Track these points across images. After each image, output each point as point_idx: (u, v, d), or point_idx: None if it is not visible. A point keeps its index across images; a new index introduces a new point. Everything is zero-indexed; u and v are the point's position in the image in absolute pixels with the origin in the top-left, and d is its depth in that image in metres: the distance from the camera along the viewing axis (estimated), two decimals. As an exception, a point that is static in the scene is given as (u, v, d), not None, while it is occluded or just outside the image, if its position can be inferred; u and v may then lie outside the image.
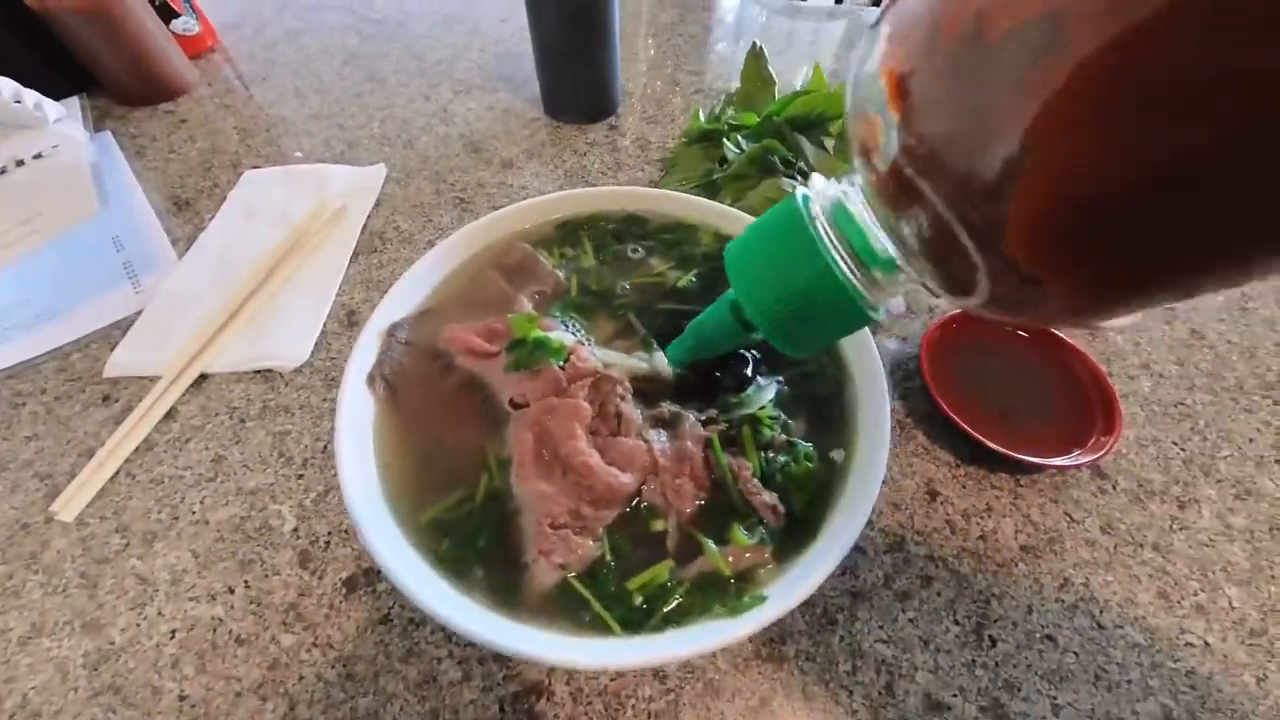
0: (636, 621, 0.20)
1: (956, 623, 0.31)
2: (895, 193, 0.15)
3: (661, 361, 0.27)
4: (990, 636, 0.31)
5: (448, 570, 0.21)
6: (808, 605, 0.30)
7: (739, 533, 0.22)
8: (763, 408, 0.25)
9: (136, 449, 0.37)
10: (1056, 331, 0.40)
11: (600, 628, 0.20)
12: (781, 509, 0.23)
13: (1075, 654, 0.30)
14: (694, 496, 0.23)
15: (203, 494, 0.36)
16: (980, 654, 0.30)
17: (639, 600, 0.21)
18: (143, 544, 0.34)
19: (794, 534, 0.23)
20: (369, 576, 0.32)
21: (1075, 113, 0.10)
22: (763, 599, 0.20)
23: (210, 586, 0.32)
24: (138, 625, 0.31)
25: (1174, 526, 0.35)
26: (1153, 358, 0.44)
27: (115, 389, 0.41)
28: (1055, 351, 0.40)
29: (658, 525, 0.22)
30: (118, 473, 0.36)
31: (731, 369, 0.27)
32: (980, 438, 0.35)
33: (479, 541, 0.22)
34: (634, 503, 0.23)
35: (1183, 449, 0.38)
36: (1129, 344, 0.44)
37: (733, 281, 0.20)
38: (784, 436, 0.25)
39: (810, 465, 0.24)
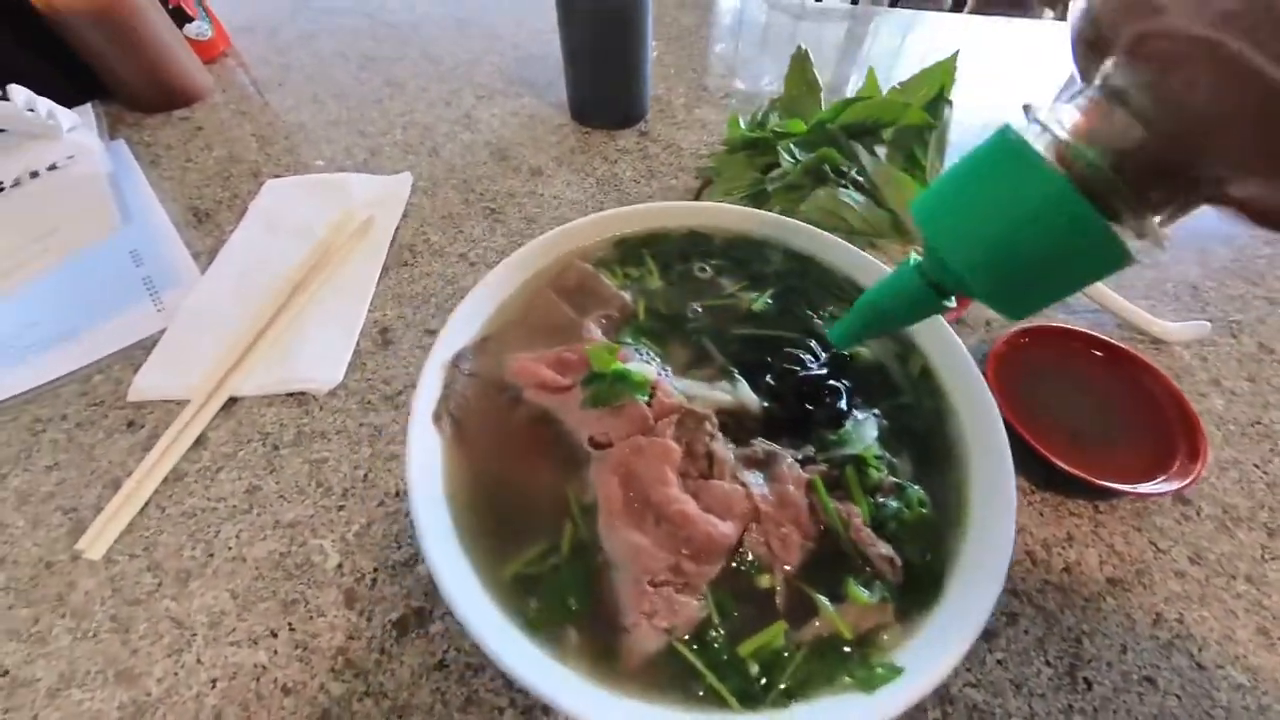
0: (755, 696, 0.18)
1: (1048, 664, 0.29)
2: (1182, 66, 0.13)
3: (746, 393, 0.25)
4: (1085, 679, 0.29)
5: (540, 635, 0.19)
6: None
7: (856, 589, 0.20)
8: (868, 446, 0.23)
9: (165, 479, 0.35)
10: (1128, 348, 0.38)
11: (715, 701, 0.18)
12: (899, 561, 0.21)
13: (1177, 696, 0.28)
14: (801, 548, 0.21)
15: (238, 527, 0.34)
16: (1076, 698, 0.28)
17: (754, 669, 0.19)
18: (176, 583, 0.32)
19: (914, 591, 0.21)
20: (420, 617, 0.30)
21: None
22: (898, 671, 0.18)
23: (251, 630, 0.30)
24: (175, 674, 0.29)
25: (1266, 556, 0.33)
26: (1222, 373, 0.42)
27: (140, 414, 0.39)
28: (1128, 369, 0.38)
29: (764, 581, 0.20)
30: (146, 505, 0.34)
31: (824, 402, 0.25)
32: (1060, 463, 0.33)
33: (569, 600, 0.20)
34: (735, 556, 0.21)
35: (1265, 471, 0.37)
36: (1196, 359, 0.43)
37: (930, 234, 0.17)
38: (891, 478, 0.23)
39: (924, 511, 0.22)
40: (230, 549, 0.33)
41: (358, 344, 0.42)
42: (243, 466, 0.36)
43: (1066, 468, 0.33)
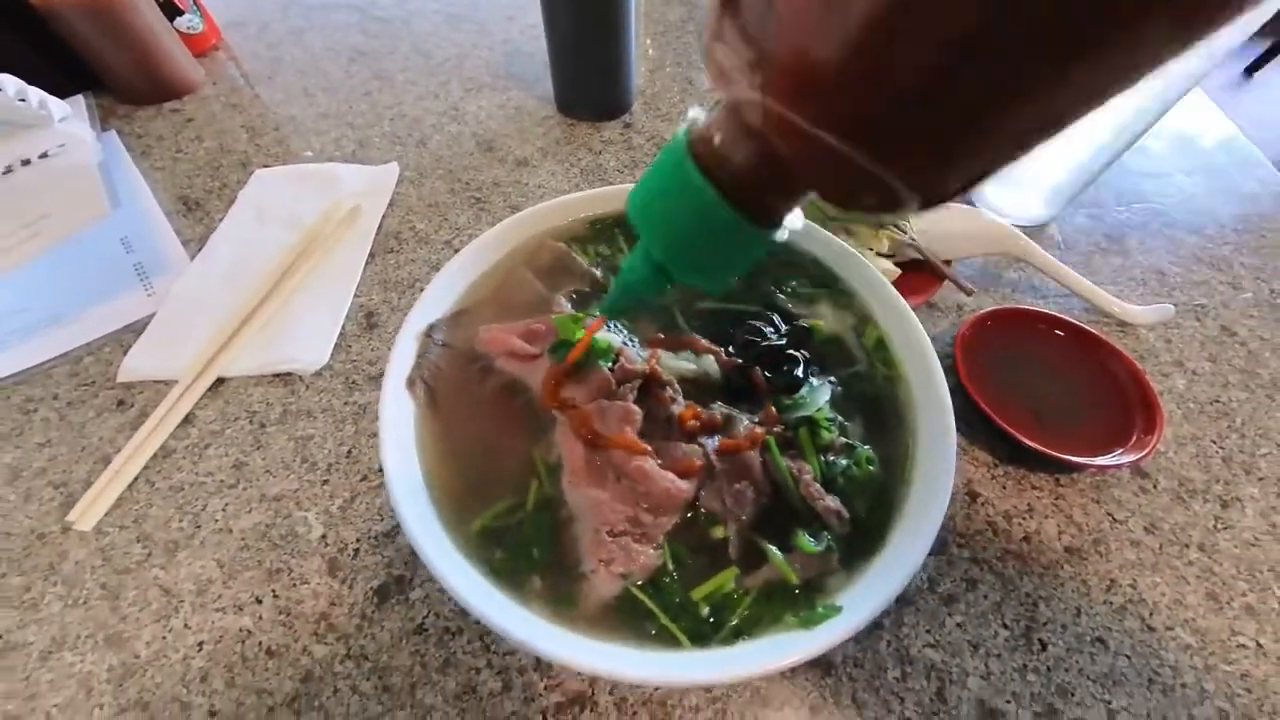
0: (704, 634, 0.19)
1: (1005, 626, 0.30)
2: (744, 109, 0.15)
3: (709, 364, 0.26)
4: (1040, 640, 0.30)
5: (503, 581, 0.20)
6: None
7: (804, 539, 0.21)
8: (820, 409, 0.25)
9: (154, 455, 0.36)
10: (1092, 330, 0.39)
11: (667, 640, 0.19)
12: (846, 514, 0.22)
13: (1127, 657, 0.30)
14: (753, 502, 0.22)
15: (225, 501, 0.35)
16: (1031, 658, 0.30)
17: (705, 611, 0.20)
18: (165, 553, 0.33)
19: (859, 540, 0.22)
20: (401, 584, 0.31)
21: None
22: (837, 610, 0.19)
23: (237, 597, 0.31)
24: (163, 638, 0.30)
25: (1218, 526, 0.34)
26: (1185, 355, 0.43)
27: (130, 394, 0.40)
28: (1090, 349, 0.39)
29: (718, 532, 0.22)
30: (136, 480, 0.35)
31: (782, 370, 0.26)
32: (1021, 437, 0.34)
33: (533, 550, 0.21)
34: (691, 509, 0.22)
35: (1221, 447, 0.38)
36: (1160, 341, 0.44)
37: (636, 227, 0.20)
38: (842, 439, 0.24)
39: (872, 469, 0.23)
40: (217, 521, 0.34)
41: (343, 327, 0.43)
42: (230, 443, 0.37)
43: (1028, 442, 0.34)
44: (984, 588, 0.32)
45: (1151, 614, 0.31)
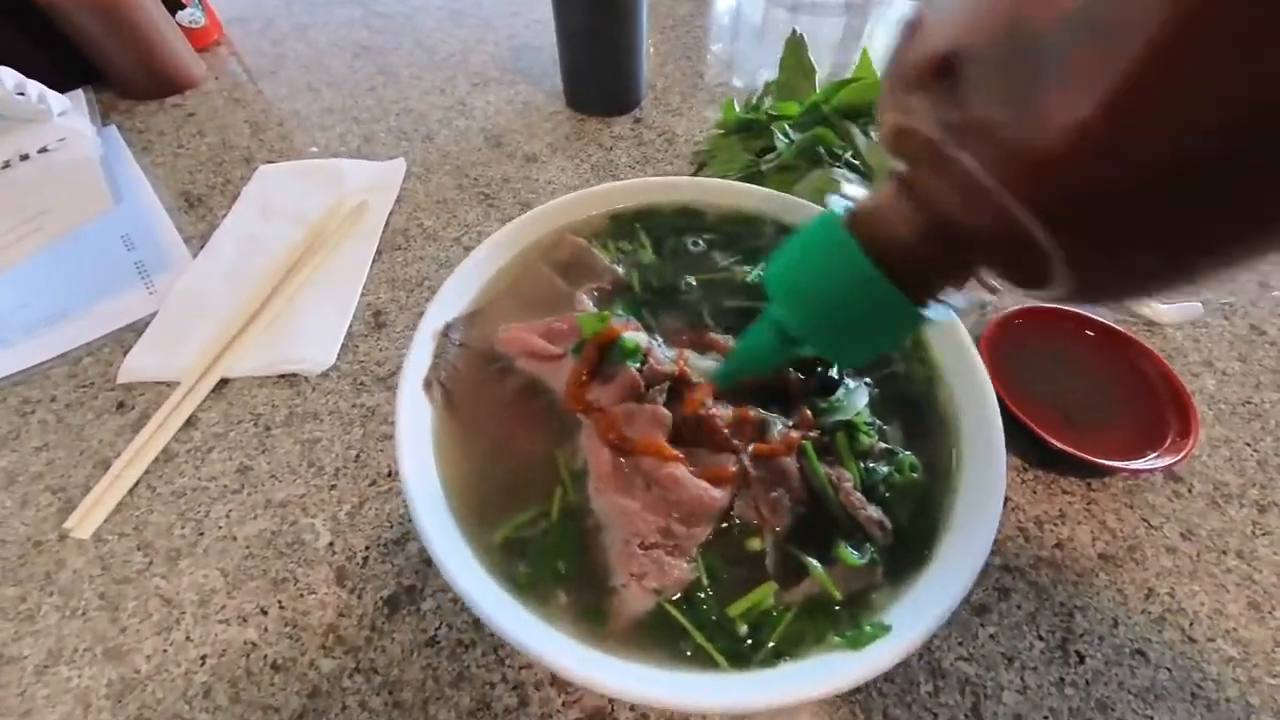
0: (743, 654, 0.18)
1: (1040, 638, 0.29)
2: (933, 178, 0.15)
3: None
4: (1077, 652, 0.29)
5: (530, 597, 0.19)
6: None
7: (846, 551, 0.20)
8: (858, 413, 0.23)
9: (156, 460, 0.35)
10: (1121, 329, 0.38)
11: (703, 660, 0.18)
12: (889, 524, 0.21)
13: (1168, 669, 0.29)
14: (790, 511, 0.21)
15: (229, 507, 0.33)
16: (1068, 671, 0.28)
17: (743, 629, 0.19)
18: (166, 562, 0.31)
19: (904, 553, 0.21)
20: (412, 594, 0.30)
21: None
22: (886, 628, 0.18)
23: (241, 607, 0.30)
24: (164, 651, 0.28)
25: (1256, 532, 0.33)
26: (1214, 354, 0.42)
27: (130, 395, 0.38)
28: (1120, 350, 0.38)
29: (754, 544, 0.20)
30: (136, 485, 0.34)
31: (815, 371, 0.25)
32: (1051, 440, 0.33)
33: (558, 563, 0.20)
34: (725, 519, 0.21)
35: (1255, 449, 0.37)
36: (1188, 340, 0.43)
37: (774, 297, 0.20)
38: (882, 444, 0.23)
39: (915, 476, 0.22)
40: (221, 528, 0.33)
41: (350, 327, 0.42)
42: (234, 447, 0.36)
43: (1059, 445, 0.33)
44: (1017, 597, 0.31)
45: (1192, 624, 0.30)
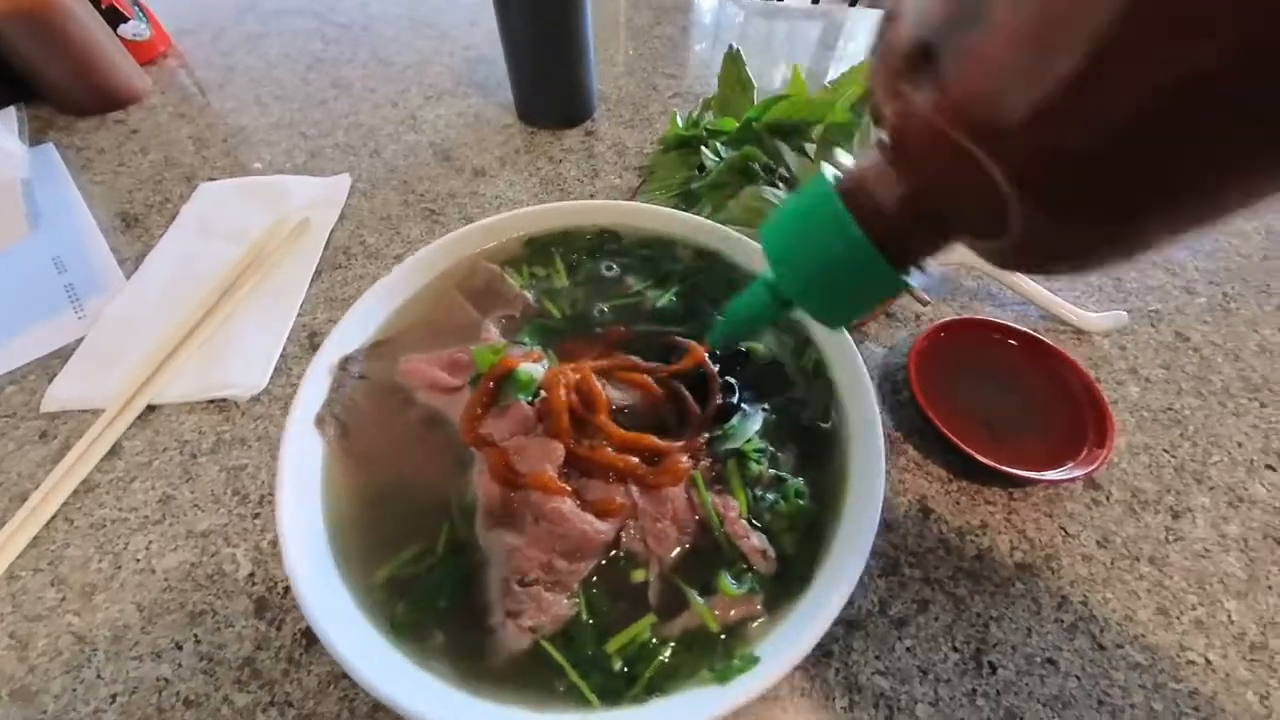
0: (616, 690, 0.18)
1: (955, 649, 0.30)
2: (921, 148, 0.16)
3: (637, 394, 0.25)
4: (990, 663, 0.30)
5: (404, 637, 0.19)
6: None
7: (726, 582, 0.20)
8: (749, 440, 0.24)
9: (76, 491, 0.34)
10: (1044, 339, 0.39)
11: (576, 698, 0.18)
12: (772, 553, 0.21)
13: (1077, 678, 0.29)
14: (677, 541, 0.21)
15: (149, 538, 0.33)
16: (981, 682, 0.29)
17: (618, 664, 0.19)
18: (81, 597, 0.31)
19: (786, 580, 0.21)
20: (332, 624, 0.30)
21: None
22: (754, 660, 0.18)
23: (156, 643, 0.29)
24: (74, 690, 0.28)
25: (1169, 538, 0.34)
26: (1139, 362, 0.43)
27: (54, 424, 0.38)
28: (1045, 360, 0.39)
29: (638, 576, 0.21)
30: (54, 517, 0.33)
31: (714, 393, 0.25)
32: (973, 453, 0.34)
33: (439, 601, 0.20)
34: (612, 551, 0.21)
35: (1174, 456, 0.38)
36: (1115, 348, 0.44)
37: (771, 261, 0.20)
38: (772, 471, 0.23)
39: (801, 502, 0.22)
40: (139, 560, 0.32)
41: (285, 349, 0.42)
42: (157, 475, 0.35)
43: (979, 457, 0.33)
44: (935, 609, 0.31)
45: (1102, 631, 0.31)
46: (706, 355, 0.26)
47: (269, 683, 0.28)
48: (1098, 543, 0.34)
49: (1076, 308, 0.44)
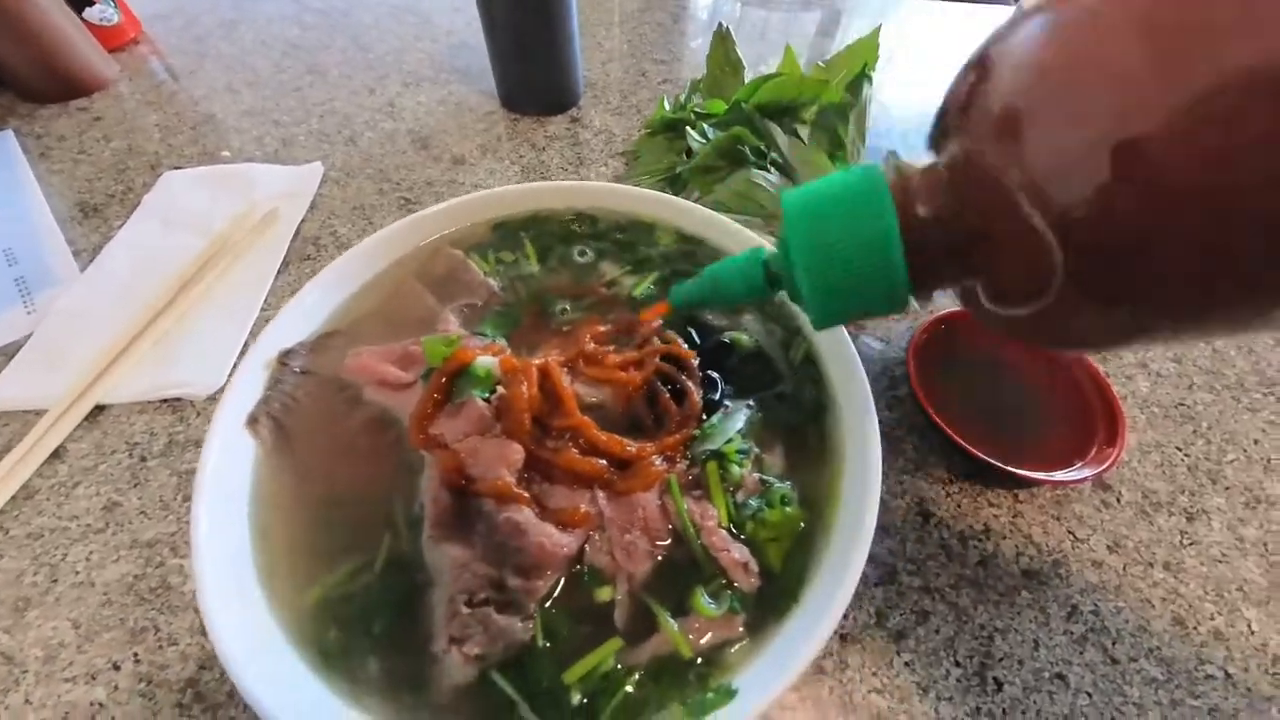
0: (573, 727, 0.16)
1: (957, 664, 0.28)
2: (986, 200, 0.16)
3: (607, 391, 0.23)
4: (995, 679, 0.27)
5: (334, 668, 0.17)
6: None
7: (702, 601, 0.18)
8: (730, 440, 0.21)
9: (14, 497, 0.32)
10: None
11: (528, 737, 0.16)
12: (755, 567, 0.19)
13: (1089, 694, 0.27)
14: (649, 555, 0.19)
15: (90, 549, 0.30)
16: (985, 700, 0.27)
17: (578, 697, 0.16)
18: (12, 614, 0.28)
19: (771, 597, 0.19)
20: (284, 642, 0.27)
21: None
22: (731, 694, 0.16)
23: (92, 663, 0.27)
24: (-1, 716, 0.26)
25: (1184, 541, 0.32)
26: (1149, 356, 0.41)
27: (-5, 426, 0.35)
28: (1052, 354, 0.36)
29: (603, 594, 0.18)
30: (-12, 527, 0.31)
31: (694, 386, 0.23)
32: (975, 452, 0.31)
33: (374, 626, 0.17)
34: (575, 566, 0.19)
35: (1187, 454, 0.36)
36: (1124, 341, 0.42)
37: (790, 225, 0.19)
38: (756, 474, 0.21)
39: (788, 510, 0.20)
40: (78, 573, 0.30)
41: (246, 345, 0.39)
42: (103, 480, 0.33)
43: (982, 457, 0.31)
44: (936, 620, 0.29)
45: (1114, 644, 0.29)
46: (684, 344, 0.24)
47: (212, 706, 0.26)
48: (1108, 547, 0.32)
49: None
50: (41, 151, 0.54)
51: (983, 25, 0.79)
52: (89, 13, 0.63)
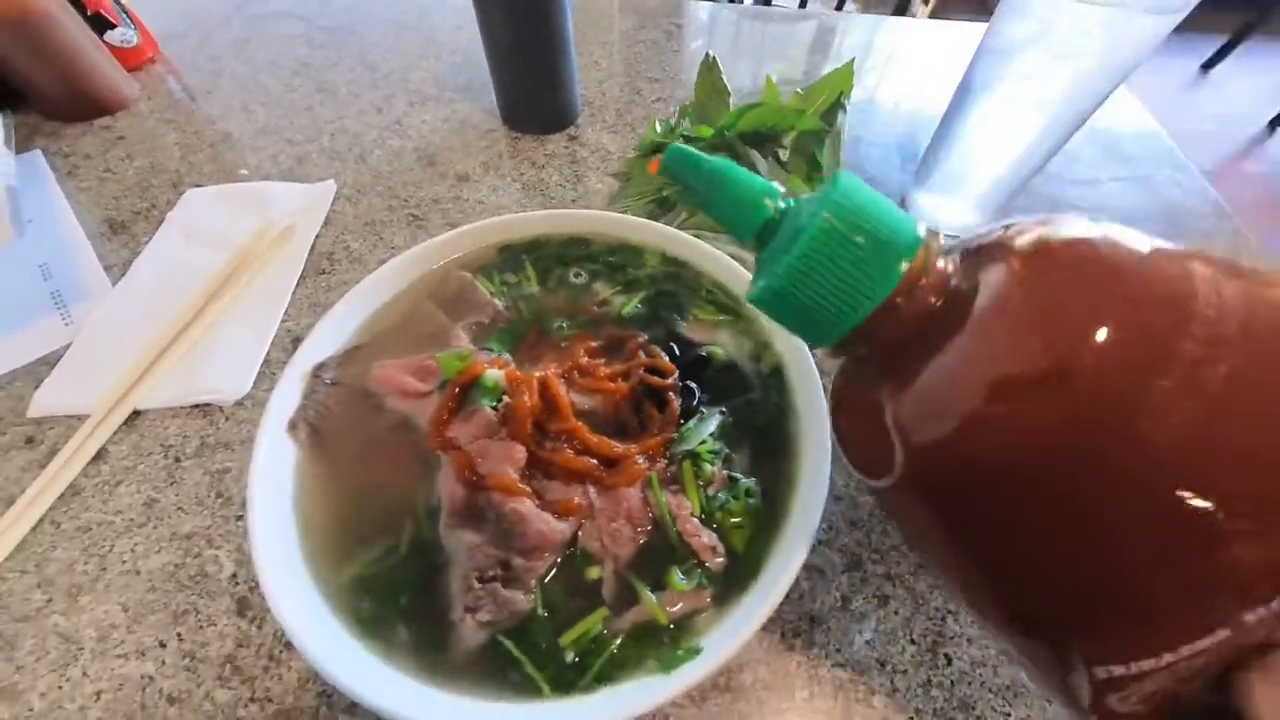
0: (568, 681, 0.19)
1: (913, 642, 0.31)
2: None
3: (599, 399, 0.26)
4: (946, 655, 0.31)
5: (369, 633, 0.20)
6: (766, 631, 0.30)
7: (675, 577, 0.21)
8: (703, 442, 0.25)
9: (62, 495, 0.35)
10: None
11: (530, 689, 0.19)
12: (721, 549, 0.22)
13: (1029, 668, 0.30)
14: (632, 540, 0.22)
15: (134, 541, 0.34)
16: (936, 673, 0.30)
17: (571, 656, 0.20)
18: (67, 599, 0.32)
19: (736, 575, 0.22)
20: (311, 623, 0.31)
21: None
22: (697, 651, 0.20)
23: (140, 642, 0.30)
24: (60, 688, 0.29)
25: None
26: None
27: (40, 430, 0.38)
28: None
29: (593, 572, 0.22)
30: (40, 522, 0.34)
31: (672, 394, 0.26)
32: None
33: (402, 598, 0.21)
34: (569, 549, 0.22)
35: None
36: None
37: (820, 222, 0.17)
38: (725, 471, 0.24)
39: (752, 501, 0.23)
40: (124, 562, 0.33)
41: (269, 354, 0.43)
42: (142, 479, 0.36)
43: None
44: (895, 603, 0.32)
45: (1055, 624, 0.32)
46: (666, 358, 0.27)
47: (249, 679, 0.29)
48: (1055, 538, 0.35)
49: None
50: (69, 170, 0.57)
51: (965, 40, 0.82)
52: (111, 35, 0.67)
